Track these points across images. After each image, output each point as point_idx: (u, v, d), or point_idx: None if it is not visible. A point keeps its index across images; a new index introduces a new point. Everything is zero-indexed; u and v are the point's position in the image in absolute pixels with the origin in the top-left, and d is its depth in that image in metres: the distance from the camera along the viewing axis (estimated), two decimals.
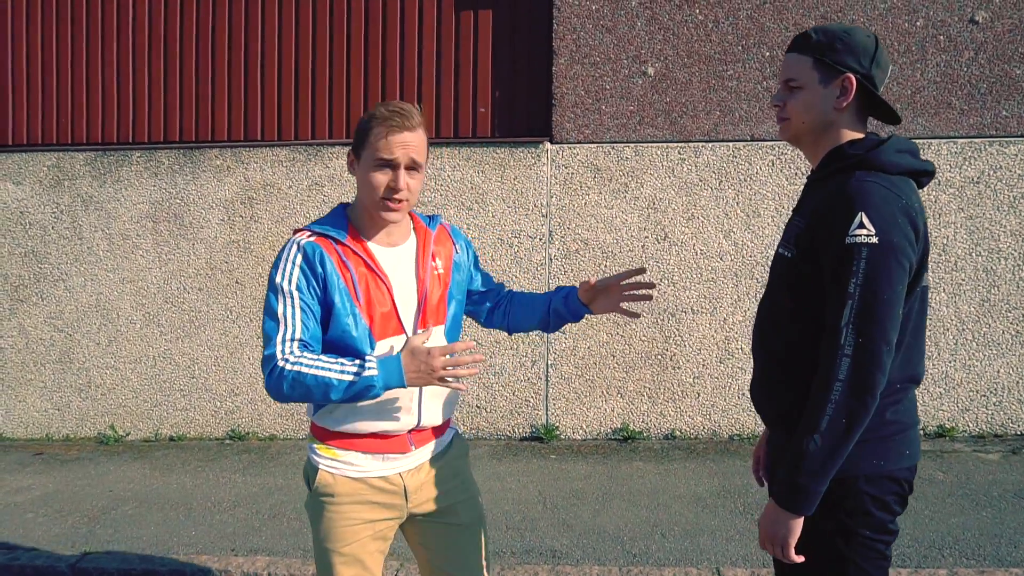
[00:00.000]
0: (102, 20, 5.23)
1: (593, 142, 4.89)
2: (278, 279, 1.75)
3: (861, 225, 1.51)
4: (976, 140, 4.72)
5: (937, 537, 3.37)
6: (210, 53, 5.17)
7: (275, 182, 5.12)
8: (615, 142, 4.88)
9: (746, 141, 4.82)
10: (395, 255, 1.86)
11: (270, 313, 1.74)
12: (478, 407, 5.00)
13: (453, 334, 1.97)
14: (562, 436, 4.93)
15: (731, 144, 4.83)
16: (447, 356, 1.72)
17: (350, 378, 1.68)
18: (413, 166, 1.78)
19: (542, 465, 4.44)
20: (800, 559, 1.62)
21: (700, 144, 4.84)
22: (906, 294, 1.56)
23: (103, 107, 5.26)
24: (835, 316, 1.54)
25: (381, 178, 1.76)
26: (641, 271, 1.98)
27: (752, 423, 4.88)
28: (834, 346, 1.52)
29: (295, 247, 1.78)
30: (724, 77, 4.82)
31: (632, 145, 4.87)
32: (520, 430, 4.99)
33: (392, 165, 1.75)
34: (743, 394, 4.87)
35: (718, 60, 4.81)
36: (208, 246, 5.17)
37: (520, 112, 4.97)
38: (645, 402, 4.92)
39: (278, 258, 1.79)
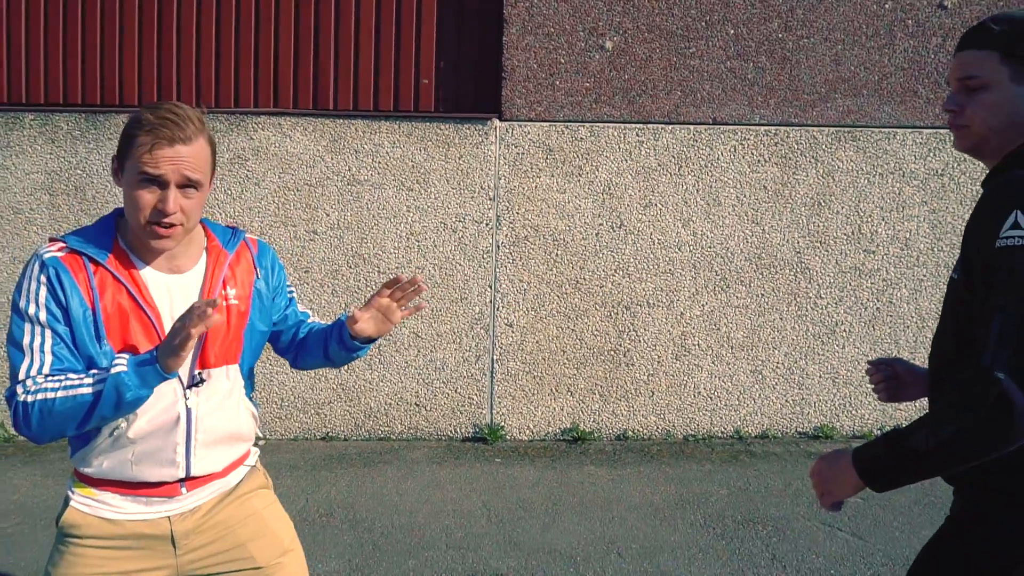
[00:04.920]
0: None
1: (546, 120, 4.52)
2: (22, 303, 1.47)
3: (1015, 226, 1.25)
4: (941, 131, 4.54)
5: (911, 552, 3.16)
6: (118, 3, 4.58)
7: None
8: (569, 121, 4.52)
9: (708, 124, 4.53)
10: (176, 284, 1.55)
11: (14, 343, 1.46)
12: (417, 405, 4.60)
13: (250, 374, 1.70)
14: (508, 437, 4.58)
15: (692, 127, 4.53)
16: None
17: (100, 387, 1.41)
18: (188, 183, 1.47)
19: (486, 470, 4.08)
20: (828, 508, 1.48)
21: (660, 126, 4.53)
22: None
23: None
24: (982, 334, 1.28)
25: (148, 197, 1.46)
26: (397, 280, 1.63)
27: (708, 423, 4.62)
28: (980, 370, 1.25)
29: (37, 264, 1.48)
30: (686, 55, 4.50)
31: (587, 125, 4.52)
32: (463, 430, 4.62)
33: (160, 183, 1.45)
34: (699, 393, 4.61)
35: (680, 36, 4.49)
36: None
37: (467, 85, 4.56)
38: (596, 401, 4.61)
39: (22, 275, 1.49)
